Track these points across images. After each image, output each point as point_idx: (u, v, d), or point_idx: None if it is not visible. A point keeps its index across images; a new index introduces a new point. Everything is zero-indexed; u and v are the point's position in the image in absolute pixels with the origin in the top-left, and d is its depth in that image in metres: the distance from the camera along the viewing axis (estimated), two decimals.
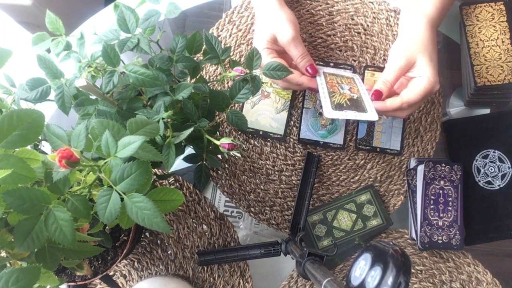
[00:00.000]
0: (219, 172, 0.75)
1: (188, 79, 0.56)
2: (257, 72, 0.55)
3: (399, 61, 0.63)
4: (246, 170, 0.75)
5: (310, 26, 0.78)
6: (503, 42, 0.72)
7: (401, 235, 0.74)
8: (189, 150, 0.58)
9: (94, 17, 0.81)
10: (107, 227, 0.61)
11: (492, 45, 0.72)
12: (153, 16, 0.52)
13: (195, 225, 0.73)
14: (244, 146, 0.75)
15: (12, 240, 0.40)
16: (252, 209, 0.74)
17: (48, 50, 0.54)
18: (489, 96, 0.75)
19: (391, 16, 0.78)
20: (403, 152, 0.76)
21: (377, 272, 0.35)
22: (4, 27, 0.99)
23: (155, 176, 0.61)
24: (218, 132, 0.76)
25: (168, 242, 0.73)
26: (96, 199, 0.39)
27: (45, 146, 0.52)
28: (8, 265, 0.43)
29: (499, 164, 0.74)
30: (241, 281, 0.72)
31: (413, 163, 0.74)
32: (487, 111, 0.78)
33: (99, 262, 0.62)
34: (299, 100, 0.77)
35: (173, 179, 0.75)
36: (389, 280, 0.34)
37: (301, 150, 0.76)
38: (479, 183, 0.74)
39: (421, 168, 0.72)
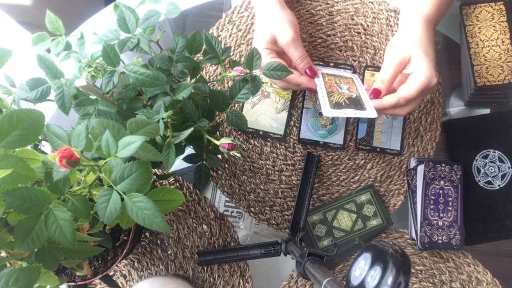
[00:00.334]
0: (219, 172, 0.75)
1: (188, 79, 0.56)
2: (257, 72, 0.55)
3: (394, 59, 0.63)
4: (246, 170, 0.75)
5: (310, 26, 0.78)
6: (503, 42, 0.72)
7: (401, 235, 0.74)
8: (189, 150, 0.58)
9: (94, 17, 0.81)
10: (107, 227, 0.61)
11: (492, 45, 0.72)
12: (153, 16, 0.52)
13: (195, 225, 0.73)
14: (244, 146, 0.75)
15: (12, 240, 0.40)
16: (252, 209, 0.74)
17: (48, 50, 0.54)
18: (489, 96, 0.75)
19: (391, 16, 0.78)
20: (403, 152, 0.76)
21: (377, 271, 0.35)
22: (4, 27, 0.99)
23: (155, 176, 0.61)
24: (218, 132, 0.76)
25: (168, 242, 0.73)
26: (96, 199, 0.39)
27: (45, 146, 0.52)
28: (8, 265, 0.43)
29: (499, 164, 0.74)
30: (241, 281, 0.72)
31: (413, 163, 0.74)
32: (487, 111, 0.78)
33: (99, 262, 0.62)
34: (299, 100, 0.77)
35: (173, 179, 0.75)
36: (389, 279, 0.34)
37: (301, 150, 0.76)
38: (479, 183, 0.74)
39: (421, 168, 0.72)
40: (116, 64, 0.48)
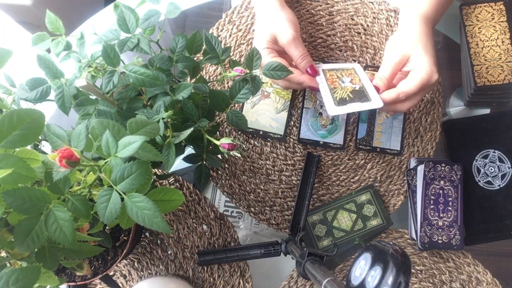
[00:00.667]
0: (219, 172, 0.75)
1: (188, 79, 0.56)
2: (257, 72, 0.55)
3: (394, 57, 0.63)
4: (246, 170, 0.75)
5: (310, 26, 0.78)
6: (503, 42, 0.72)
7: (401, 235, 0.74)
8: (189, 150, 0.58)
9: (94, 17, 0.80)
10: (107, 227, 0.61)
11: (492, 45, 0.72)
12: (153, 16, 0.52)
13: (195, 225, 0.73)
14: (244, 146, 0.75)
15: (12, 240, 0.40)
16: (252, 209, 0.74)
17: (48, 50, 0.54)
18: (489, 96, 0.75)
19: (391, 16, 0.78)
20: (403, 152, 0.76)
21: (377, 271, 0.35)
22: (4, 27, 0.99)
23: (155, 176, 0.61)
24: (218, 132, 0.76)
25: (168, 242, 0.73)
26: (96, 199, 0.39)
27: (45, 146, 0.52)
28: (8, 265, 0.43)
29: (499, 164, 0.74)
30: (241, 281, 0.72)
31: (413, 163, 0.74)
32: (487, 111, 0.78)
33: (99, 262, 0.62)
34: (299, 100, 0.77)
35: (173, 179, 0.75)
36: (389, 279, 0.34)
37: (301, 150, 0.76)
38: (479, 183, 0.74)
39: (421, 168, 0.72)
40: (116, 64, 0.48)
